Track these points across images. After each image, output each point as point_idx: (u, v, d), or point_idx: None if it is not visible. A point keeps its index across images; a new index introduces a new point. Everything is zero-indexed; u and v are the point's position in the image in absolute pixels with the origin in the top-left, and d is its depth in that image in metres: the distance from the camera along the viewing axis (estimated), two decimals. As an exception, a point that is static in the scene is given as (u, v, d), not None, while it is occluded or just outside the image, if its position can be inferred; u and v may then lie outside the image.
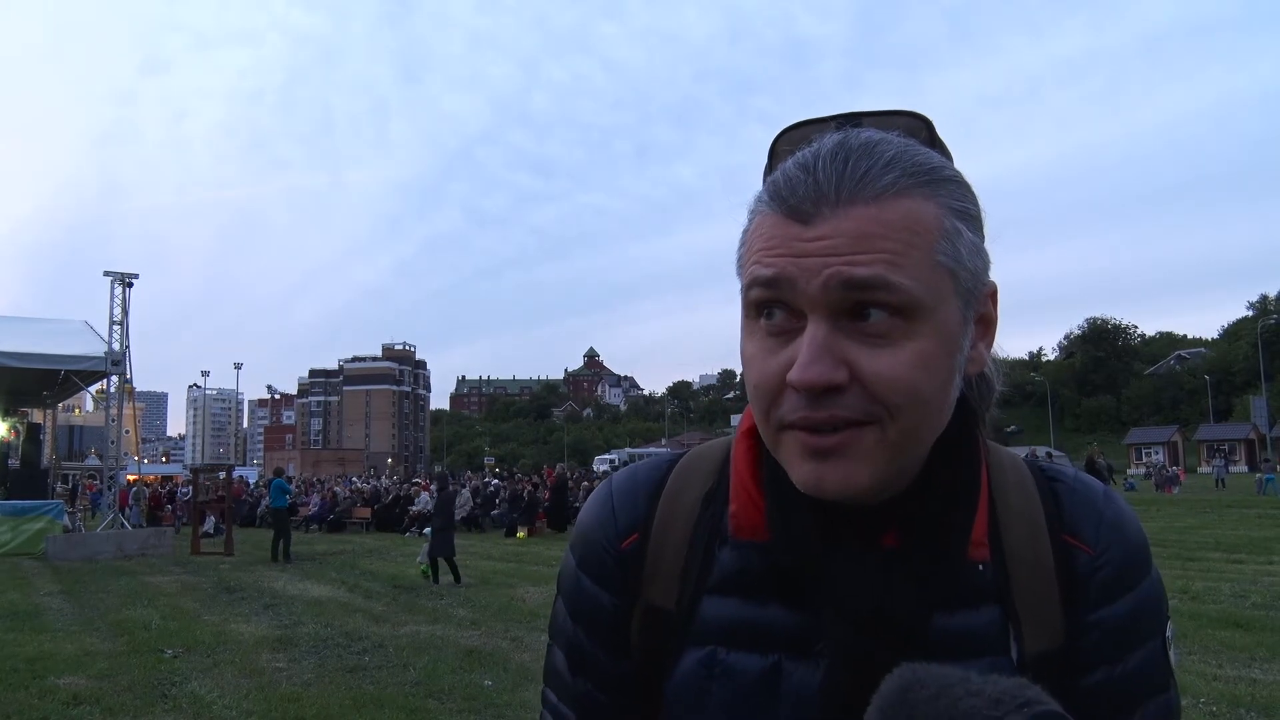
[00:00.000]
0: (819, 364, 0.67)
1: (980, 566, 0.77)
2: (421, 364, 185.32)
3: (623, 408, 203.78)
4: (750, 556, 0.80)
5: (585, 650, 0.86)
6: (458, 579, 13.16)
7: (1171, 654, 0.81)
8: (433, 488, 27.88)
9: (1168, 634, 0.81)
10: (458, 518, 25.24)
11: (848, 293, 0.67)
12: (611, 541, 0.86)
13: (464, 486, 28.54)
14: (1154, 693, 0.79)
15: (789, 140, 0.85)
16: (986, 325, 0.76)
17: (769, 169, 0.88)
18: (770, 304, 0.71)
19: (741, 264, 0.74)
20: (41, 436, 24.48)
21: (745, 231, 0.75)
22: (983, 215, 0.75)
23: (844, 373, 0.67)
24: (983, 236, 0.74)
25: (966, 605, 0.76)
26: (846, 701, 0.71)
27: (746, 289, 0.72)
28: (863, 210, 0.68)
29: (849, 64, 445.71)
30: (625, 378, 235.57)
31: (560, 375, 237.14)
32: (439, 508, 14.32)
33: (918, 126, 0.83)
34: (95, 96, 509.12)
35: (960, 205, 0.72)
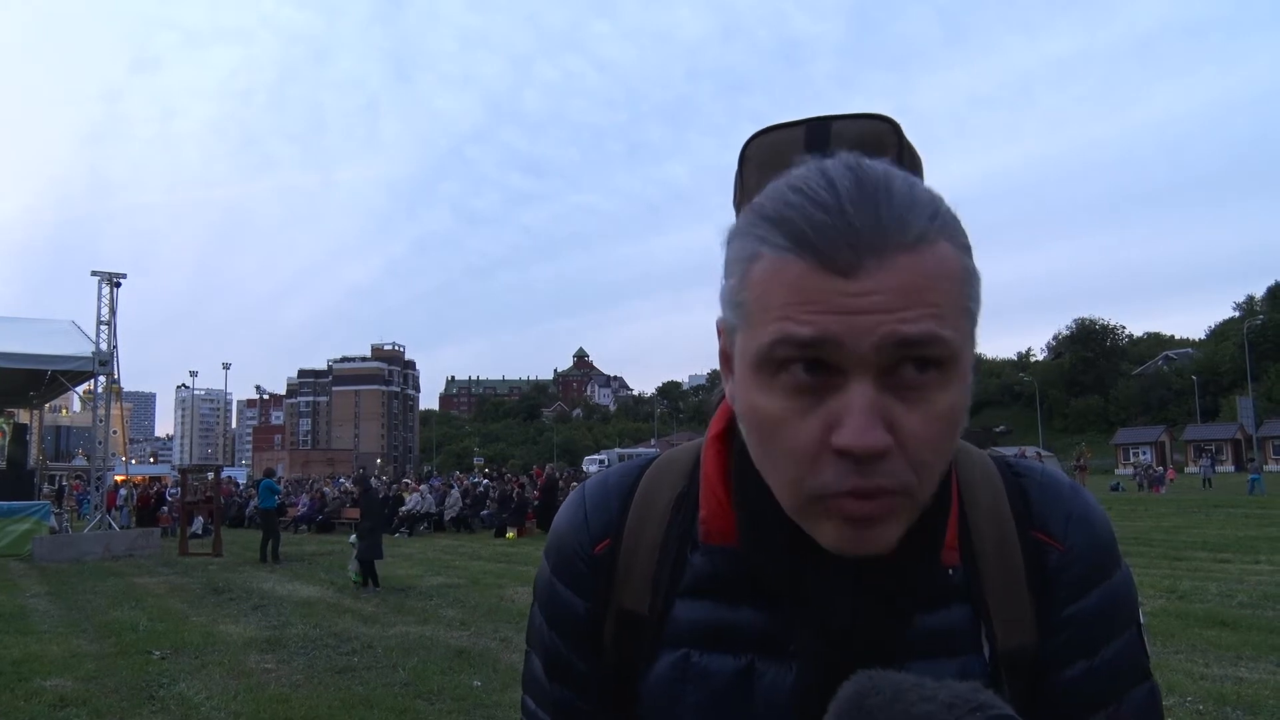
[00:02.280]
0: (874, 430, 0.63)
1: (950, 570, 0.77)
2: (411, 364, 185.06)
3: (612, 408, 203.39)
4: (721, 561, 0.80)
5: (562, 656, 0.86)
6: (375, 583, 12.62)
7: (1147, 642, 0.82)
8: (423, 488, 27.96)
9: (1142, 622, 0.82)
10: (447, 517, 25.33)
11: (899, 351, 0.63)
12: (584, 547, 0.86)
13: (453, 487, 28.50)
14: (1136, 681, 0.80)
15: (760, 146, 0.84)
16: (972, 350, 0.75)
17: (740, 175, 0.87)
18: (800, 361, 0.65)
19: (742, 308, 0.68)
20: (28, 437, 24.34)
21: (742, 270, 0.68)
22: None
23: (890, 436, 0.64)
24: None
25: (937, 606, 0.76)
26: (820, 705, 0.71)
27: (770, 346, 0.65)
28: (904, 260, 0.63)
29: (842, 64, 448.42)
30: (615, 378, 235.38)
31: (550, 375, 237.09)
32: (364, 510, 13.83)
33: (886, 131, 0.82)
34: (84, 94, 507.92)
35: (968, 243, 0.69)
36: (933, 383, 0.65)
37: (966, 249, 0.68)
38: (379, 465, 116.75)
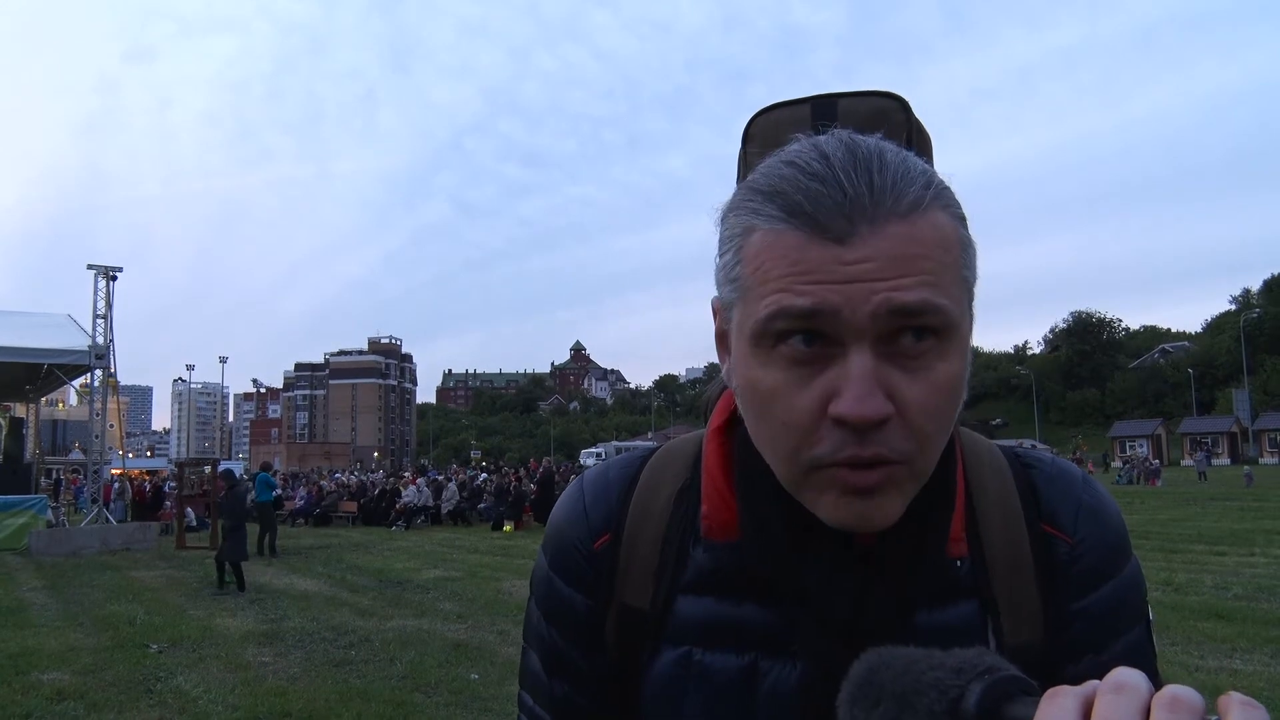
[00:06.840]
0: (874, 398, 0.62)
1: (958, 563, 0.76)
2: (408, 357, 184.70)
3: (609, 401, 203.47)
4: (723, 557, 0.78)
5: (561, 652, 0.85)
6: (241, 586, 11.87)
7: (1154, 639, 0.81)
8: (419, 481, 27.97)
9: (1150, 619, 0.81)
10: (444, 510, 25.34)
11: (895, 319, 0.63)
12: (584, 541, 0.84)
13: (450, 480, 28.51)
14: None
15: (764, 124, 0.83)
16: (970, 322, 0.74)
17: (743, 154, 0.85)
18: (800, 333, 0.65)
19: (738, 283, 0.68)
20: (24, 431, 24.26)
21: (736, 245, 0.68)
22: None
23: (890, 405, 0.63)
24: None
25: (944, 600, 0.75)
26: (824, 702, 0.70)
27: (768, 319, 0.64)
28: (898, 228, 0.63)
29: (843, 53, 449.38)
30: (612, 371, 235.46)
31: (547, 369, 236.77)
32: (228, 507, 13.16)
33: (895, 108, 0.81)
34: (79, 85, 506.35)
35: (963, 214, 0.68)
36: (932, 352, 0.64)
37: (962, 219, 0.68)
38: (376, 458, 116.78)
